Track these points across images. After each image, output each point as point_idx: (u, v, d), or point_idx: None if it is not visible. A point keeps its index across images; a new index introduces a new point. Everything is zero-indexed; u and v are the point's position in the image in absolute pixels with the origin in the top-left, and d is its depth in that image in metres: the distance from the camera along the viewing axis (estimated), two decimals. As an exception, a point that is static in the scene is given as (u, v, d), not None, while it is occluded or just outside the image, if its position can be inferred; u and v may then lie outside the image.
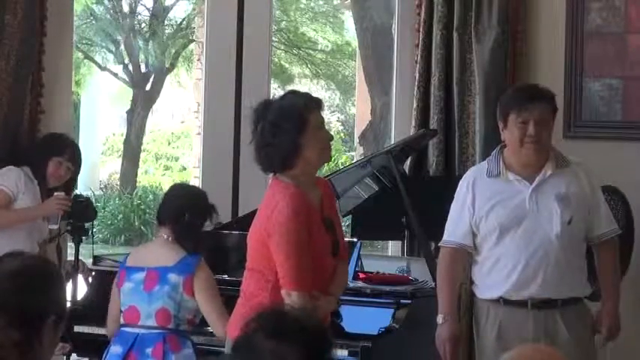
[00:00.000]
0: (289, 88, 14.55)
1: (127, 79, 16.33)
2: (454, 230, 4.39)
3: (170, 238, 4.39)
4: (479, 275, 4.39)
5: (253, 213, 5.14)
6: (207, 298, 4.32)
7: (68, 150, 5.30)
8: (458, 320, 4.39)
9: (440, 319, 4.33)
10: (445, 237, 4.41)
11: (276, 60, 14.56)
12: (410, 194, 5.01)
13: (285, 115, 3.84)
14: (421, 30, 5.87)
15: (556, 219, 4.23)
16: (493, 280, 4.32)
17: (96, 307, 4.82)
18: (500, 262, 4.29)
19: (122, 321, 4.41)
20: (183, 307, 4.33)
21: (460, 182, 4.44)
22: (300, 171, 3.89)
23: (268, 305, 2.87)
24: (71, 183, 5.44)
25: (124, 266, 4.46)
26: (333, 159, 4.31)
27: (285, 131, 3.82)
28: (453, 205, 4.42)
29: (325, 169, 8.78)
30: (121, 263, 4.54)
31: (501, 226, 4.26)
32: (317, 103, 3.95)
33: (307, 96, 3.98)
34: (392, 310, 4.59)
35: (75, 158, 5.33)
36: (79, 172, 5.44)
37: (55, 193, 5.22)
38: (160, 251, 4.41)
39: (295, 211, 3.81)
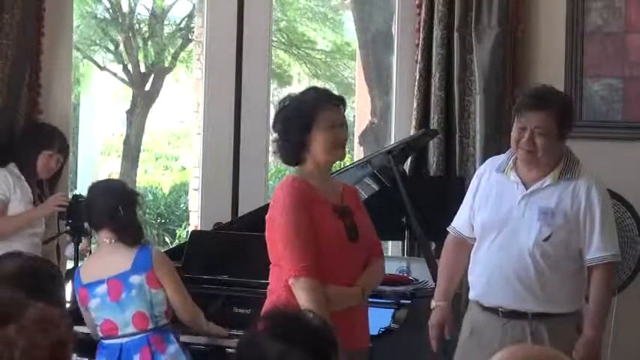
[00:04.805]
0: (289, 88, 14.53)
1: (127, 79, 16.30)
2: (457, 217, 4.36)
3: (113, 240, 4.34)
4: (469, 269, 4.35)
5: (253, 213, 5.15)
6: (169, 281, 4.32)
7: (57, 142, 5.27)
8: (450, 307, 4.34)
9: (432, 304, 4.34)
10: (452, 222, 4.39)
11: (276, 60, 14.53)
12: (410, 194, 5.00)
13: (294, 114, 3.91)
14: (421, 30, 5.87)
15: (533, 233, 4.10)
16: (472, 279, 4.29)
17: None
18: (477, 265, 4.25)
19: (100, 334, 4.35)
20: (155, 302, 4.29)
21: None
22: (311, 166, 3.94)
23: (277, 305, 2.86)
24: (59, 173, 5.39)
25: (81, 284, 4.36)
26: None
27: (292, 129, 3.90)
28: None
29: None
30: (75, 281, 4.43)
31: (483, 226, 4.21)
32: (333, 102, 3.96)
33: (323, 94, 4.00)
34: (392, 310, 4.58)
35: (64, 149, 5.31)
36: (66, 161, 5.39)
37: (60, 194, 5.25)
38: (111, 258, 4.34)
39: (292, 201, 3.83)
